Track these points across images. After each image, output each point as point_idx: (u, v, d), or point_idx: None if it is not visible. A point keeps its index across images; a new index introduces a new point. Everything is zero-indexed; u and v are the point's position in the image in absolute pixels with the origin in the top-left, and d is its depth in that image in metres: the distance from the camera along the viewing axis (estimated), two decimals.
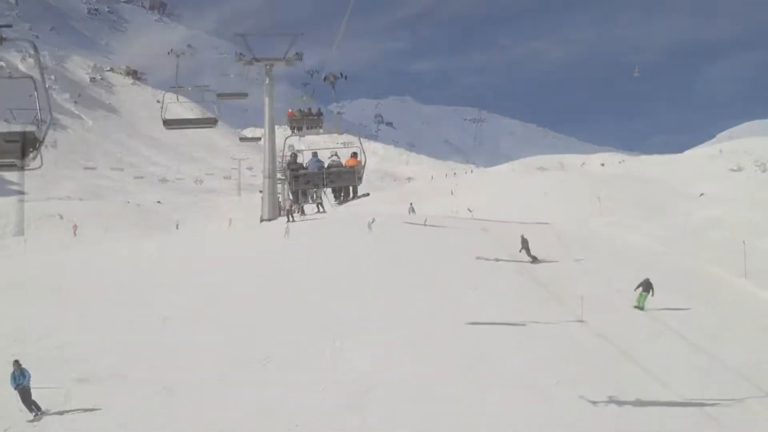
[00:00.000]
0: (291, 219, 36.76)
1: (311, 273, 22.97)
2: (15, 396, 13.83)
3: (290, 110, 34.47)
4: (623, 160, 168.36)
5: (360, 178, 17.28)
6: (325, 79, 20.14)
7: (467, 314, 19.00)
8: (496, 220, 37.98)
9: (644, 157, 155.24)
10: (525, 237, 23.26)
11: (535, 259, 23.02)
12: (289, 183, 17.70)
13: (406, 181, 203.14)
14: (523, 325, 18.18)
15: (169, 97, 27.53)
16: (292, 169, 17.32)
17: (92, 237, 64.19)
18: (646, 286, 20.83)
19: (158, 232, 68.02)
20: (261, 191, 41.70)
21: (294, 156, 17.90)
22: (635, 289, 20.85)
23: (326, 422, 12.68)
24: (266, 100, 39.25)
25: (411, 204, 54.06)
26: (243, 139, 44.82)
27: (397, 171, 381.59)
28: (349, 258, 24.28)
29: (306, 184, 17.55)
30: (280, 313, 19.25)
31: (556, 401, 13.60)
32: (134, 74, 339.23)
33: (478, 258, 24.93)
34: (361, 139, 18.38)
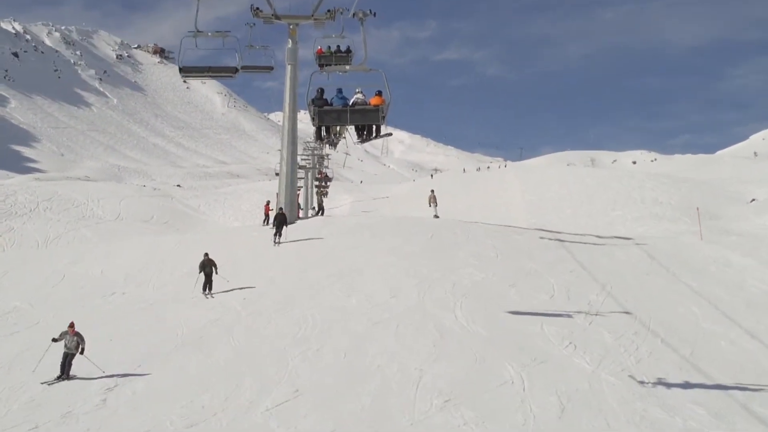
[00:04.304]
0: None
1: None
2: None
3: (319, 47, 31.54)
4: (655, 159, 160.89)
5: (384, 117, 17.44)
6: (353, 15, 20.61)
7: None
8: (567, 232, 30.92)
9: (677, 157, 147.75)
10: None
11: None
12: (313, 119, 17.59)
13: (434, 173, 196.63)
14: None
15: (187, 42, 25.66)
16: (318, 105, 17.36)
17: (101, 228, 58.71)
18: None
19: (166, 225, 62.20)
20: (277, 173, 34.47)
21: (320, 92, 17.69)
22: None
23: None
24: (288, 67, 31.07)
25: (432, 191, 36.77)
26: (245, 68, 33.74)
27: (423, 161, 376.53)
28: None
29: (331, 120, 17.75)
30: None
31: None
32: (161, 53, 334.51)
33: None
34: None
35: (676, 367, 14.05)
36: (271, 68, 33.68)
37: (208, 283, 19.31)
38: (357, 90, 17.97)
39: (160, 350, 14.12)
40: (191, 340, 14.65)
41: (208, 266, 19.44)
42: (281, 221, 25.14)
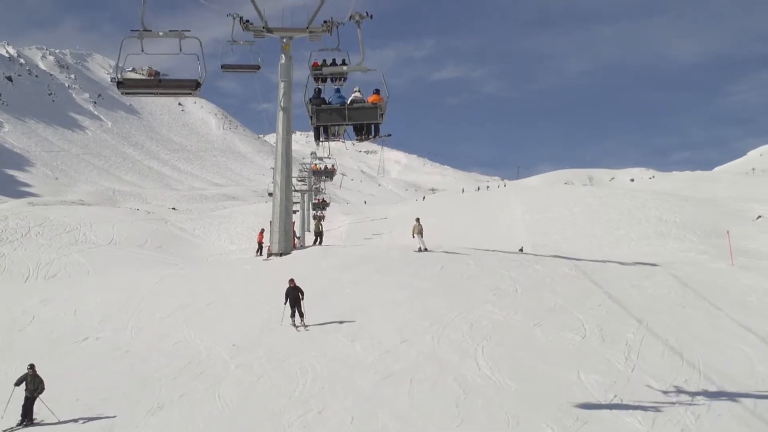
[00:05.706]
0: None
1: None
2: None
3: (314, 61, 26.62)
4: (653, 176, 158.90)
5: (382, 116, 17.29)
6: (350, 18, 20.70)
7: None
8: (587, 259, 28.63)
9: (676, 174, 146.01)
10: None
11: None
12: (311, 118, 17.41)
13: (426, 194, 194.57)
14: None
15: (129, 44, 17.13)
16: (315, 104, 17.32)
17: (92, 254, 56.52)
18: None
19: (160, 249, 59.92)
20: (270, 193, 31.31)
21: (318, 90, 17.78)
22: None
23: None
24: (281, 85, 28.09)
25: (417, 220, 27.70)
26: (225, 66, 27.27)
27: (420, 181, 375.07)
28: None
29: (329, 119, 17.48)
30: None
31: None
32: (156, 75, 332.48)
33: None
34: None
35: (742, 424, 11.93)
36: (258, 68, 28.54)
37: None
38: (355, 89, 17.89)
39: (134, 415, 11.96)
40: (170, 400, 12.50)
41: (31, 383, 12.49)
42: (296, 298, 17.15)
